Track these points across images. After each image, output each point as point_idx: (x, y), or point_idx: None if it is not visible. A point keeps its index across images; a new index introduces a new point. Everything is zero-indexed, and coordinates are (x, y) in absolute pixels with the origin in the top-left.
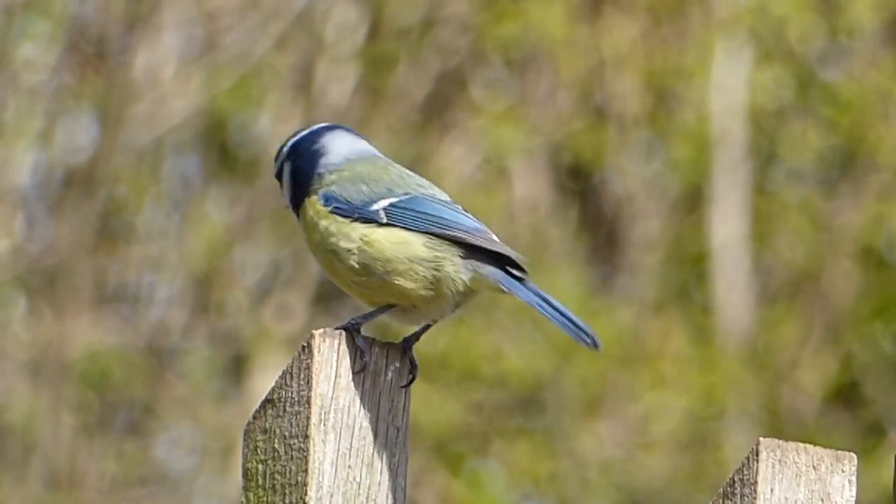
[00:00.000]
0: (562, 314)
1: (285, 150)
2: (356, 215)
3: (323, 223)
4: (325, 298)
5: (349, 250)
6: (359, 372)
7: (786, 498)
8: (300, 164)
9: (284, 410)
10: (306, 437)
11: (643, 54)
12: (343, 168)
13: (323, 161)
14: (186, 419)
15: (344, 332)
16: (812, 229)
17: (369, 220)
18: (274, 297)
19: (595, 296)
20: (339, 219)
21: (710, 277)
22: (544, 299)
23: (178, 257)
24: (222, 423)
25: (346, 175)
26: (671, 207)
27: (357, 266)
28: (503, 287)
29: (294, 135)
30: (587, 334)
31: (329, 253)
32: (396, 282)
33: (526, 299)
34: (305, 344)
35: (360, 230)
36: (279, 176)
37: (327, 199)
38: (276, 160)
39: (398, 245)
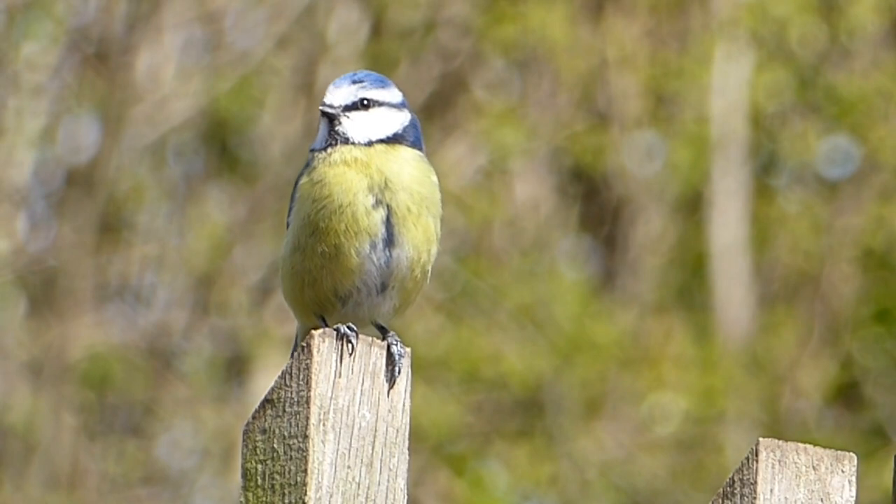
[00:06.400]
0: None
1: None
2: None
3: None
4: None
5: None
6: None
7: (785, 498)
8: None
9: (284, 410)
10: (306, 437)
11: (644, 56)
12: None
13: None
14: (187, 420)
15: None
16: (812, 231)
17: None
18: (275, 297)
19: (596, 297)
20: None
21: (711, 279)
22: None
23: (179, 257)
24: (223, 423)
25: None
26: (672, 209)
27: None
28: None
29: None
30: None
31: None
32: None
33: None
34: (305, 344)
35: None
36: None
37: None
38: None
39: None
